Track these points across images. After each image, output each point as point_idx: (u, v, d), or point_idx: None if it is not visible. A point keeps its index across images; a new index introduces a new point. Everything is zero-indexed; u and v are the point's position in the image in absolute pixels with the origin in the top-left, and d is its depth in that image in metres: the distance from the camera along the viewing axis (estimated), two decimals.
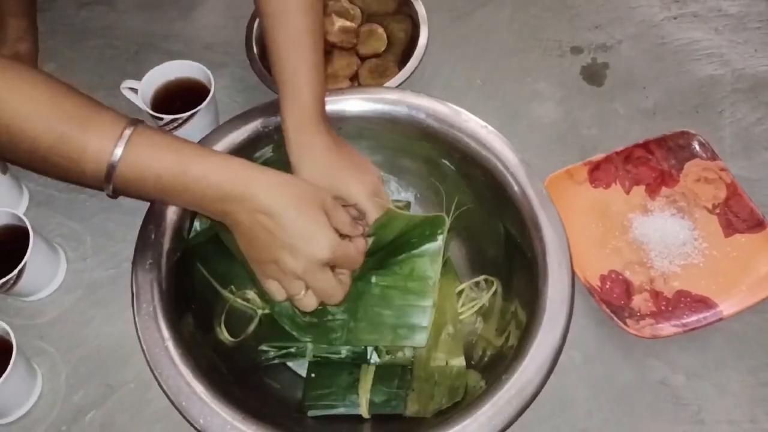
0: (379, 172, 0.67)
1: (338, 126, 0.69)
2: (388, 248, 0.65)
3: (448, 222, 0.64)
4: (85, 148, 0.50)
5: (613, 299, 0.73)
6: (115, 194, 0.53)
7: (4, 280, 0.66)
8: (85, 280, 0.74)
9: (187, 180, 0.52)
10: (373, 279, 0.64)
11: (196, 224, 0.66)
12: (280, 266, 0.55)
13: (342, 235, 0.57)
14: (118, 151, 0.50)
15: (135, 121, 0.52)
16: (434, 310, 0.63)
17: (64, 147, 0.50)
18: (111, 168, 0.51)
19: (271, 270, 0.57)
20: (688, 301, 0.73)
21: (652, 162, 0.81)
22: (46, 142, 0.49)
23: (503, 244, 0.69)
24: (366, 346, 0.66)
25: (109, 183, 0.52)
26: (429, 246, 0.64)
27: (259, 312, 0.68)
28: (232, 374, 0.63)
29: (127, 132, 0.51)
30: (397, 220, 0.64)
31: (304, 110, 0.63)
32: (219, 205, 0.54)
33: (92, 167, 0.51)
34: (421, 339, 0.61)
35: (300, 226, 0.54)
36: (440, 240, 0.64)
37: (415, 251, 0.64)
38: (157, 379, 0.55)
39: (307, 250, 0.54)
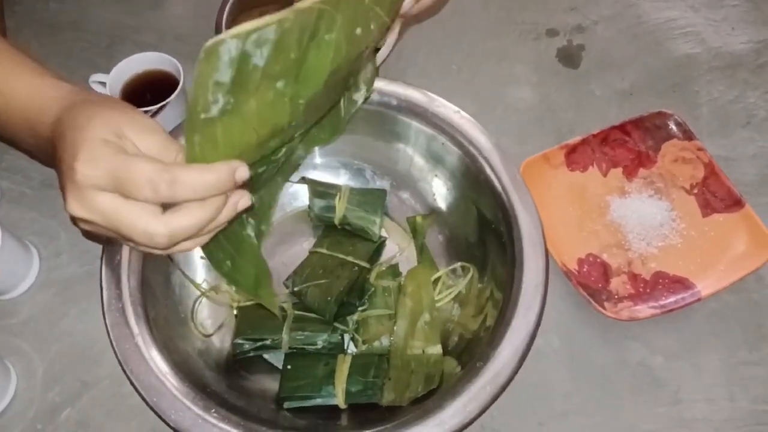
0: None
1: None
2: None
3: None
4: None
5: (591, 282, 0.73)
6: None
7: None
8: (59, 276, 0.74)
9: None
10: None
11: None
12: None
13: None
14: None
15: None
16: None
17: None
18: None
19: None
20: (666, 282, 0.73)
21: (629, 143, 0.81)
22: None
23: (478, 229, 0.69)
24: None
25: None
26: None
27: (234, 305, 0.68)
28: (207, 368, 0.62)
29: None
30: None
31: None
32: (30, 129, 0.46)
33: None
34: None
35: (74, 144, 0.41)
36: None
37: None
38: (127, 375, 0.54)
39: (69, 170, 0.40)
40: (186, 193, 0.39)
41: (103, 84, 0.76)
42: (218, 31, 0.83)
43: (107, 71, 0.77)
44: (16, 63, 0.46)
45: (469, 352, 0.61)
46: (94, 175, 0.39)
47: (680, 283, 0.72)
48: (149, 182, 0.38)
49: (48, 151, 0.44)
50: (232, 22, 0.84)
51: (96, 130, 0.40)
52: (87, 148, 0.39)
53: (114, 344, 0.56)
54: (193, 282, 0.67)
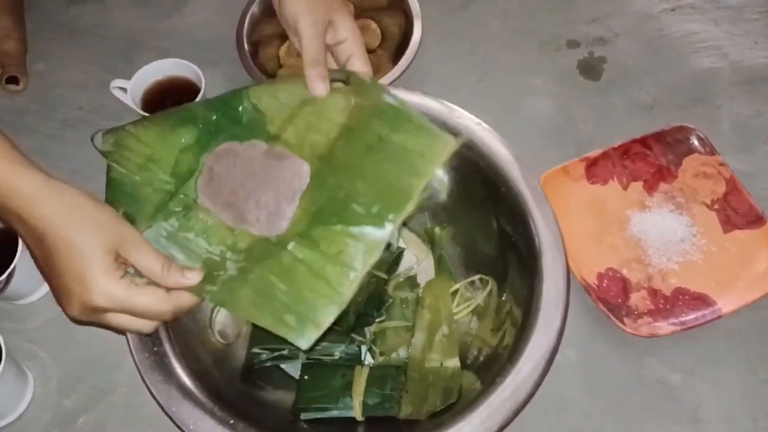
0: None
1: None
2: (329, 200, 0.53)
3: (409, 207, 0.50)
4: None
5: (611, 297, 0.72)
6: None
7: None
8: None
9: None
10: (290, 246, 0.52)
11: None
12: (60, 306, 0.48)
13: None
14: None
15: None
16: (341, 310, 0.49)
17: None
18: None
19: None
20: (687, 299, 0.72)
21: (650, 157, 0.80)
22: None
23: (497, 242, 0.68)
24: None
25: None
26: (371, 231, 0.50)
27: None
28: (224, 378, 0.62)
29: None
30: (387, 113, 0.54)
31: None
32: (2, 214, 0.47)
33: None
34: (306, 339, 0.48)
35: (73, 264, 0.45)
36: (388, 229, 0.50)
37: (353, 228, 0.50)
38: (146, 384, 0.54)
39: (78, 294, 0.45)
40: (181, 312, 0.50)
41: (124, 90, 0.76)
42: (239, 38, 0.83)
43: (127, 77, 0.77)
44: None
45: (488, 367, 0.61)
46: (109, 306, 0.46)
47: (701, 300, 0.71)
48: (156, 315, 0.48)
49: (15, 225, 0.47)
50: (253, 29, 0.84)
51: (101, 258, 0.45)
52: (101, 281, 0.45)
53: (133, 352, 0.56)
54: None
